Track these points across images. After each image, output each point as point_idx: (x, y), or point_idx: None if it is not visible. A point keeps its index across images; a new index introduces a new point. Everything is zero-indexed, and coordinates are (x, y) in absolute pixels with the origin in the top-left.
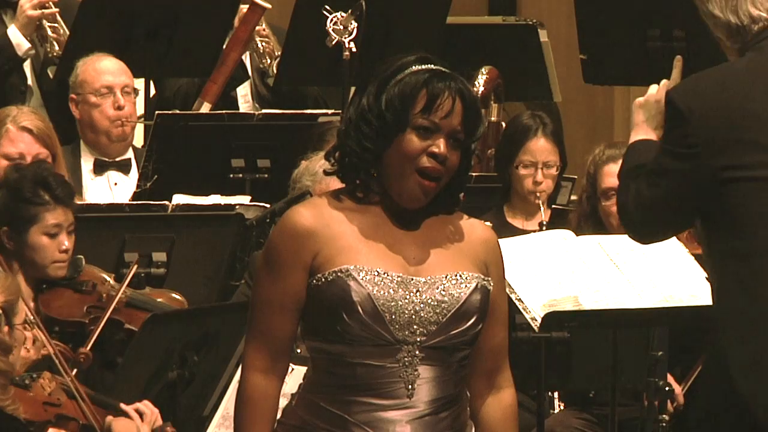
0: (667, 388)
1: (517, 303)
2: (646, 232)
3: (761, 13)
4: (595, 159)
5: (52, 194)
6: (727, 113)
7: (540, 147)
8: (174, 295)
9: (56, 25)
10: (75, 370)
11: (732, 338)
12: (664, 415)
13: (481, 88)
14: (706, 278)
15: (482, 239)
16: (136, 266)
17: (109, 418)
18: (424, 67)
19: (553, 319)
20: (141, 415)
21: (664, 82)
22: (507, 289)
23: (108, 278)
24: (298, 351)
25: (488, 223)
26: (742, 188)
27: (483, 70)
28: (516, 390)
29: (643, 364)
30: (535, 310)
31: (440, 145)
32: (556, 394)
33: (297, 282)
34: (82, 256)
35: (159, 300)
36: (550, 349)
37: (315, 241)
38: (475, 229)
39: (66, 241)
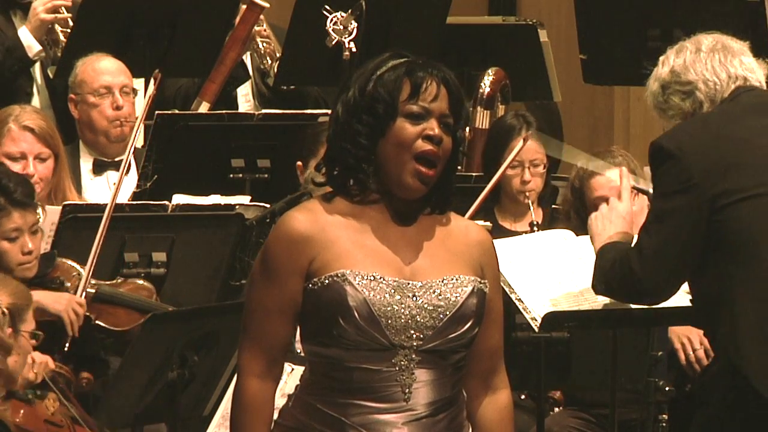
0: (666, 388)
1: (517, 303)
2: (654, 286)
3: (740, 72)
4: (580, 173)
5: (8, 198)
6: (715, 143)
7: (525, 146)
8: (141, 282)
9: (68, 29)
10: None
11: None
12: (664, 415)
13: (488, 89)
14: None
15: (477, 241)
16: (95, 257)
17: None
18: (401, 60)
19: (553, 319)
20: None
21: (612, 199)
22: (507, 289)
23: (78, 270)
24: (299, 351)
25: (488, 224)
26: (743, 209)
27: (489, 71)
28: (515, 390)
29: (643, 364)
30: (535, 310)
31: (434, 127)
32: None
33: (293, 287)
34: (55, 250)
35: (124, 290)
36: (549, 349)
37: (311, 247)
38: (470, 231)
39: (29, 242)
